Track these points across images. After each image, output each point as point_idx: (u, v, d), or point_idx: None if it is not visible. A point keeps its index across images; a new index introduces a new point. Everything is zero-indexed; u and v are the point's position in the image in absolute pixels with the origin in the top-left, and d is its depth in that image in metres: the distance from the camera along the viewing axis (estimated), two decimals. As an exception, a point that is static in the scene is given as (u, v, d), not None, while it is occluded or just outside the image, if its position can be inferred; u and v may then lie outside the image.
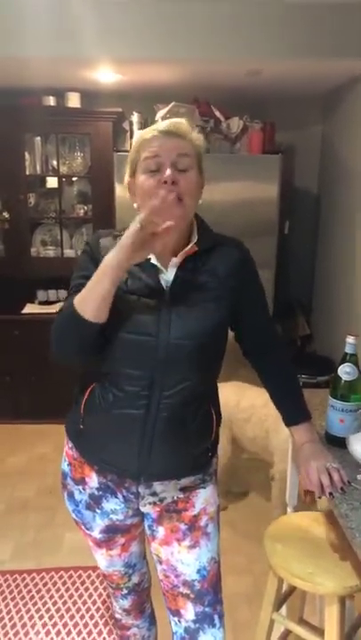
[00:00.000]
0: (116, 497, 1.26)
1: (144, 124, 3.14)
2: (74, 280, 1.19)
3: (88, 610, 2.08)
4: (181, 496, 1.27)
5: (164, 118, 3.06)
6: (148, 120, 3.16)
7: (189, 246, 1.16)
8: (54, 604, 2.10)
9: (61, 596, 2.14)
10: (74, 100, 3.35)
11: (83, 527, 1.35)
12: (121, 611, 1.53)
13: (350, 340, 1.39)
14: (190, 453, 1.23)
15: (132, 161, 1.16)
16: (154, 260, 1.15)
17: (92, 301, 1.07)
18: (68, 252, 3.64)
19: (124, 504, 1.27)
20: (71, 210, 3.61)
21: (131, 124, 3.16)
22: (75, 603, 2.11)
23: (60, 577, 2.24)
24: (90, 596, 2.15)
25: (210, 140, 3.05)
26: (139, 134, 1.17)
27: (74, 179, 3.60)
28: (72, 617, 2.04)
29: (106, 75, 2.94)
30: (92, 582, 2.22)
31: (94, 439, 1.23)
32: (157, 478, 1.22)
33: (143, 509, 1.29)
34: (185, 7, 2.52)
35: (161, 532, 1.30)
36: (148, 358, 1.13)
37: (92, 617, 2.04)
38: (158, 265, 1.16)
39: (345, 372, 1.39)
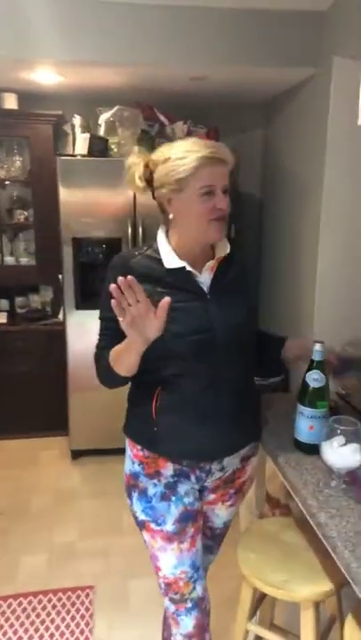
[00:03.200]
0: (189, 479, 1.40)
1: (86, 128, 3.06)
2: (106, 311, 1.29)
3: (52, 636, 1.99)
4: (239, 466, 1.48)
5: (107, 122, 3.01)
6: (90, 123, 3.09)
7: (223, 253, 1.36)
8: (15, 632, 1.99)
9: (22, 624, 2.03)
10: (10, 102, 3.20)
11: (153, 525, 1.40)
12: (182, 637, 1.46)
13: (317, 347, 1.40)
14: (249, 425, 1.46)
15: (180, 180, 1.25)
16: (189, 268, 1.31)
17: (124, 366, 1.27)
18: (9, 260, 3.49)
19: (196, 483, 1.41)
20: (8, 216, 3.46)
21: (73, 127, 3.07)
22: (37, 630, 2.02)
23: (20, 604, 2.13)
24: (52, 621, 2.06)
25: (155, 145, 3.01)
26: (187, 155, 1.24)
27: (7, 182, 3.44)
28: (35, 645, 1.95)
29: (46, 76, 2.83)
30: (54, 606, 2.13)
31: (171, 436, 1.34)
32: (228, 453, 1.40)
33: (207, 484, 1.44)
34: (129, 11, 2.48)
35: (211, 497, 1.50)
36: (209, 351, 1.29)
37: (56, 643, 1.96)
38: (193, 271, 1.32)
39: (313, 378, 1.40)
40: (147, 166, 1.33)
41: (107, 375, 1.33)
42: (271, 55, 2.61)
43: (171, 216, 1.32)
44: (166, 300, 1.15)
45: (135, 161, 1.34)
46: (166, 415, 1.33)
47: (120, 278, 1.10)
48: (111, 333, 1.29)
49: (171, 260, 1.32)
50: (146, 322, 1.14)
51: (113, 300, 1.11)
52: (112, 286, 1.10)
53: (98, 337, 1.38)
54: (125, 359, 1.25)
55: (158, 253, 1.33)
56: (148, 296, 1.17)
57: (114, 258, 1.37)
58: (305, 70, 2.70)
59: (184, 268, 1.31)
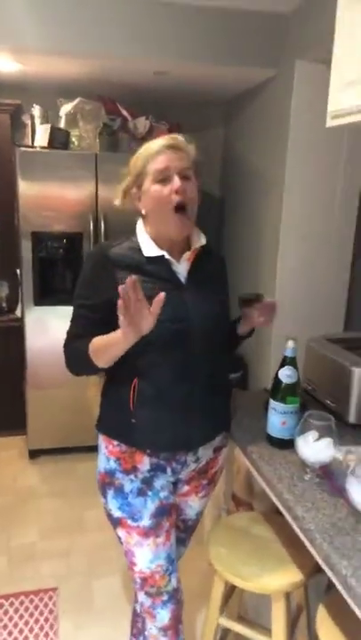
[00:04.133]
0: (165, 472, 1.40)
1: (46, 119, 2.98)
2: (81, 299, 1.34)
3: (15, 641, 1.94)
4: (212, 456, 1.51)
5: (68, 114, 2.94)
6: (48, 114, 3.00)
7: (199, 245, 1.39)
8: (-25, 640, 1.93)
9: (-17, 631, 1.97)
10: (-36, 88, 3.08)
11: (129, 521, 1.39)
12: (157, 630, 1.47)
13: (290, 344, 1.43)
14: (221, 415, 1.50)
15: (138, 174, 1.32)
16: (167, 256, 1.33)
17: (106, 359, 1.27)
18: None
19: (172, 476, 1.42)
20: None
21: (32, 117, 2.98)
22: (-1, 635, 1.96)
23: (-20, 609, 2.06)
24: (15, 625, 2.01)
25: (117, 139, 2.98)
26: (143, 149, 1.32)
27: None
28: (-2, 651, 1.89)
29: (4, 62, 2.73)
30: (16, 610, 2.07)
31: (147, 427, 1.35)
32: (202, 443, 1.43)
33: (182, 476, 1.46)
34: (93, 2, 2.43)
35: (185, 488, 1.52)
36: (184, 340, 1.32)
37: (20, 648, 1.91)
38: (171, 259, 1.34)
39: (286, 374, 1.43)
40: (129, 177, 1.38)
41: (80, 363, 1.32)
42: (234, 54, 2.63)
43: (143, 212, 1.36)
44: (161, 295, 1.15)
45: (124, 176, 1.38)
46: (144, 407, 1.34)
47: (128, 279, 1.11)
48: (84, 322, 1.33)
49: (150, 249, 1.34)
50: (142, 316, 1.15)
51: (120, 301, 1.11)
52: (121, 287, 1.10)
53: (70, 324, 1.37)
54: (111, 352, 1.25)
55: (137, 243, 1.36)
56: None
57: (92, 248, 1.38)
58: (267, 71, 2.74)
59: (163, 256, 1.34)
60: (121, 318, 1.14)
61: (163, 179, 1.28)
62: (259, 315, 1.47)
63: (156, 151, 1.29)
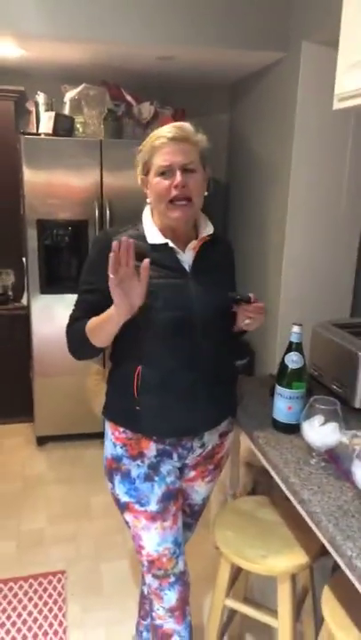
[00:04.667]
0: (172, 458, 1.42)
1: (51, 105, 2.96)
2: (85, 284, 1.36)
3: (25, 622, 1.98)
4: (218, 442, 1.52)
5: (73, 100, 2.92)
6: (53, 101, 2.99)
7: (206, 234, 1.38)
8: (-14, 621, 1.97)
9: (-7, 612, 2.01)
10: (-33, 75, 3.06)
11: (137, 506, 1.41)
12: (164, 611, 1.48)
13: (296, 329, 1.43)
14: (227, 401, 1.50)
15: (144, 162, 1.33)
16: (171, 244, 1.33)
17: (102, 336, 1.29)
18: (-32, 242, 3.36)
19: (178, 461, 1.44)
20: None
21: (36, 104, 2.96)
22: (9, 617, 1.99)
23: (-10, 592, 2.10)
24: (24, 607, 2.04)
25: (122, 125, 2.96)
26: (150, 137, 1.31)
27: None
28: None
29: (6, 48, 2.71)
30: (26, 593, 2.11)
31: (152, 414, 1.36)
32: (208, 428, 1.44)
33: (188, 461, 1.47)
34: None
35: (192, 474, 1.53)
36: (188, 328, 1.32)
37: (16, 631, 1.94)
38: (176, 248, 1.34)
39: (292, 360, 1.43)
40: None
41: (79, 344, 1.34)
42: (240, 37, 2.59)
43: (148, 199, 1.37)
44: (146, 261, 1.17)
45: (137, 159, 1.38)
46: (148, 394, 1.35)
47: (124, 238, 1.13)
48: (86, 307, 1.34)
49: (154, 236, 1.35)
50: (131, 285, 1.17)
51: (112, 254, 1.13)
52: (114, 242, 1.13)
53: (73, 308, 1.39)
54: (105, 328, 1.27)
55: (142, 231, 1.37)
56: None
57: (98, 234, 1.38)
58: (273, 54, 2.70)
59: (167, 244, 1.34)
60: (111, 277, 1.14)
61: (165, 172, 1.28)
62: (246, 317, 1.40)
63: (161, 143, 1.28)
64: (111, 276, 1.15)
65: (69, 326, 1.38)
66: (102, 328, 1.27)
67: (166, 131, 1.29)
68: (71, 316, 1.39)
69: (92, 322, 1.29)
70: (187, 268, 1.36)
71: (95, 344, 1.31)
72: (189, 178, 1.28)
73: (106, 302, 1.27)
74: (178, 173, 1.27)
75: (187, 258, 1.37)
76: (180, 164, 1.27)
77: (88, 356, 1.39)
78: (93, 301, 1.32)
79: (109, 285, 1.16)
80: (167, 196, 1.29)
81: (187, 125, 1.32)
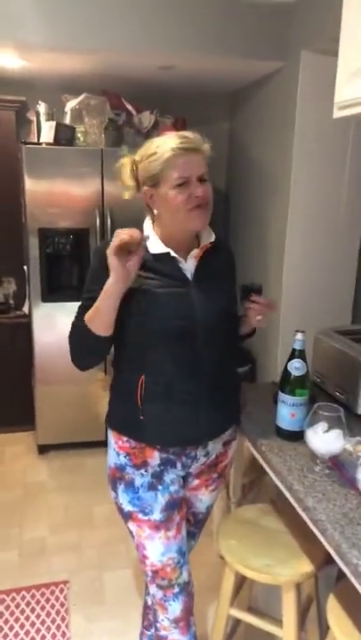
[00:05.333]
0: (175, 467, 1.42)
1: (52, 115, 2.98)
2: (87, 293, 1.35)
3: (27, 633, 1.96)
4: (222, 450, 1.52)
5: (74, 110, 2.94)
6: (54, 111, 3.01)
7: (207, 241, 1.39)
8: (-12, 632, 1.95)
9: (-4, 623, 1.99)
10: (-32, 86, 3.08)
11: (140, 515, 1.40)
12: (169, 622, 1.47)
13: (299, 336, 1.43)
14: (230, 409, 1.50)
15: (153, 175, 1.29)
16: (173, 254, 1.34)
17: (103, 319, 1.28)
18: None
19: (182, 470, 1.44)
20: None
21: (37, 114, 2.98)
22: (11, 628, 1.98)
23: (-8, 602, 2.08)
24: (27, 618, 2.03)
25: (123, 134, 2.98)
26: (157, 147, 1.28)
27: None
28: (10, 644, 1.91)
29: (8, 59, 2.73)
30: (28, 603, 2.09)
31: (156, 423, 1.36)
32: (212, 437, 1.44)
33: (192, 470, 1.47)
34: (97, -5, 2.43)
35: (196, 482, 1.53)
36: (191, 337, 1.33)
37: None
38: (178, 257, 1.35)
39: (295, 367, 1.43)
40: (133, 167, 1.35)
41: (81, 341, 1.34)
42: (240, 46, 2.62)
43: (155, 212, 1.35)
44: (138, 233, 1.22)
45: (123, 162, 1.37)
46: (152, 402, 1.35)
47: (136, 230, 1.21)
48: (91, 304, 1.32)
49: (156, 246, 1.35)
50: (129, 255, 1.22)
51: (124, 233, 1.19)
52: (134, 231, 1.21)
53: (75, 317, 1.38)
54: (104, 306, 1.26)
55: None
56: (135, 280, 1.28)
57: (99, 244, 1.39)
58: (273, 63, 2.72)
59: (168, 253, 1.34)
60: (113, 243, 1.19)
61: (182, 184, 1.27)
62: (257, 313, 1.44)
63: (174, 155, 1.26)
64: (116, 242, 1.18)
65: (72, 332, 1.37)
66: (101, 309, 1.27)
67: (178, 142, 1.27)
68: (73, 324, 1.38)
69: (90, 312, 1.29)
70: (189, 276, 1.36)
71: (97, 332, 1.29)
72: (205, 187, 1.30)
73: None
74: (196, 184, 1.27)
75: (189, 266, 1.37)
76: (197, 175, 1.28)
77: (91, 357, 1.38)
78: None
79: (107, 253, 1.20)
80: (186, 206, 1.28)
81: (195, 135, 1.31)
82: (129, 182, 1.35)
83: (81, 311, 1.37)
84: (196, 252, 1.37)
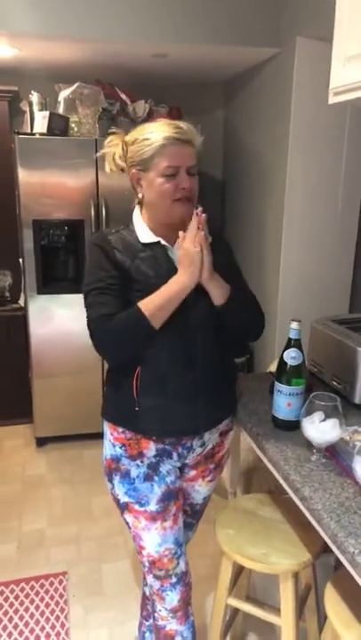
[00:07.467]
0: (171, 457, 1.41)
1: (45, 105, 2.95)
2: (94, 283, 1.31)
3: (27, 624, 1.97)
4: (219, 441, 1.51)
5: (67, 99, 2.91)
6: (47, 101, 2.97)
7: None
8: (-12, 624, 1.96)
9: (-5, 615, 2.00)
10: None
11: (136, 506, 1.40)
12: (167, 612, 1.48)
13: (294, 325, 1.42)
14: (226, 399, 1.50)
15: (143, 160, 1.29)
16: (164, 242, 1.34)
17: (163, 315, 1.27)
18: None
19: (178, 461, 1.43)
20: None
21: (30, 104, 2.94)
22: (11, 619, 1.98)
23: (-9, 595, 2.09)
24: (26, 609, 2.03)
25: (117, 123, 2.94)
26: (151, 136, 1.27)
27: None
28: None
29: None
30: (27, 595, 2.10)
31: (152, 415, 1.35)
32: (208, 428, 1.43)
33: (188, 461, 1.47)
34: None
35: (192, 473, 1.52)
36: (185, 329, 1.32)
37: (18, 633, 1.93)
38: (168, 245, 1.34)
39: (291, 357, 1.42)
40: (123, 147, 1.34)
41: (133, 333, 1.28)
42: (234, 33, 2.58)
43: (140, 195, 1.35)
44: (201, 214, 1.28)
45: (113, 141, 1.36)
46: (147, 394, 1.34)
47: (199, 210, 1.28)
48: (108, 300, 1.28)
49: (145, 235, 1.35)
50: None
51: (194, 218, 1.28)
52: (199, 209, 1.29)
53: (89, 311, 1.30)
54: (174, 304, 1.28)
55: (133, 230, 1.37)
56: (128, 268, 1.30)
57: (92, 235, 1.37)
58: (267, 50, 2.69)
59: (159, 242, 1.34)
60: (187, 239, 1.27)
61: (171, 173, 1.27)
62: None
63: (166, 144, 1.26)
64: (188, 238, 1.26)
65: (102, 325, 1.27)
66: (171, 304, 1.27)
67: (173, 131, 1.27)
68: (101, 314, 1.27)
69: (150, 302, 1.26)
70: (177, 264, 1.34)
71: (157, 326, 1.27)
72: (193, 180, 1.30)
73: (121, 291, 1.29)
74: (184, 175, 1.28)
75: (178, 256, 1.34)
76: (187, 166, 1.28)
77: (137, 350, 1.31)
78: (115, 291, 1.28)
79: (186, 247, 1.26)
80: (172, 196, 1.29)
81: (190, 127, 1.31)
82: (118, 162, 1.35)
83: (96, 305, 1.29)
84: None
